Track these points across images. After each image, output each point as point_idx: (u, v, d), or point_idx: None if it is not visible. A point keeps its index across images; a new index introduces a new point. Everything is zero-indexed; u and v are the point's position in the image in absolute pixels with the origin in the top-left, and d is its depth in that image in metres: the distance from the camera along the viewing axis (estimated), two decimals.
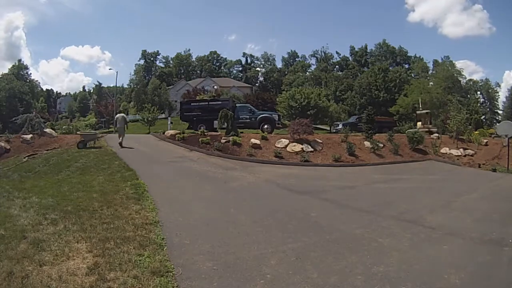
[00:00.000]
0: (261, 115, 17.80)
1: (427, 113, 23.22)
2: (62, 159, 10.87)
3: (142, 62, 74.88)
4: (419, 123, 22.11)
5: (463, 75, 42.91)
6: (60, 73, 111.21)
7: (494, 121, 48.87)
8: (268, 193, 7.36)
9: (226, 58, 78.60)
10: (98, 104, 46.01)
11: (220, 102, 17.47)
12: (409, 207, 6.40)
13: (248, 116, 17.47)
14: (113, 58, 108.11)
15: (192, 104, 19.07)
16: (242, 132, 15.02)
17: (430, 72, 50.53)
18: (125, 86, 67.03)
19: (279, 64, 76.32)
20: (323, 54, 71.24)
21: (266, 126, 16.91)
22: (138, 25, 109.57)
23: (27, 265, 3.20)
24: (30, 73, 65.87)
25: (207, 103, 18.15)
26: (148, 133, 17.53)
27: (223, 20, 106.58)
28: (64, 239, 3.89)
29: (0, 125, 35.58)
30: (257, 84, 70.58)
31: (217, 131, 15.51)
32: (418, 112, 24.92)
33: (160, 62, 77.84)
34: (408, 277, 3.29)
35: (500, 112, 53.29)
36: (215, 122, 15.14)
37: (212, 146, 12.66)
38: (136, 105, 45.44)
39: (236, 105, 18.92)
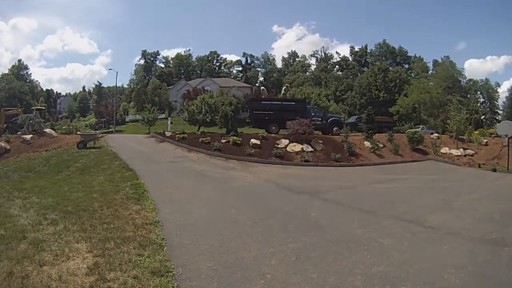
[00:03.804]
0: (331, 118, 17.91)
1: None
2: (62, 159, 10.88)
3: (142, 62, 74.91)
4: None
5: (463, 75, 43.06)
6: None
7: (494, 121, 48.96)
8: (268, 193, 7.37)
9: (226, 58, 78.62)
10: (98, 104, 45.93)
11: (294, 103, 17.29)
12: (409, 207, 6.40)
13: (320, 118, 17.24)
14: (113, 58, 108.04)
15: (263, 102, 18.19)
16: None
17: (430, 72, 50.56)
18: (125, 86, 67.06)
19: (279, 64, 76.39)
20: (323, 54, 71.23)
21: (335, 128, 16.92)
22: (138, 25, 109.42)
23: (27, 265, 3.20)
24: (30, 73, 65.95)
25: (281, 102, 17.84)
26: (148, 133, 17.46)
27: (223, 20, 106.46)
28: (64, 239, 3.89)
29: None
30: (257, 84, 70.47)
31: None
32: None
33: (160, 62, 77.81)
34: (408, 277, 3.29)
35: (500, 112, 53.38)
36: (288, 122, 14.42)
37: (212, 146, 12.67)
38: (136, 105, 45.34)
39: (307, 106, 18.33)
